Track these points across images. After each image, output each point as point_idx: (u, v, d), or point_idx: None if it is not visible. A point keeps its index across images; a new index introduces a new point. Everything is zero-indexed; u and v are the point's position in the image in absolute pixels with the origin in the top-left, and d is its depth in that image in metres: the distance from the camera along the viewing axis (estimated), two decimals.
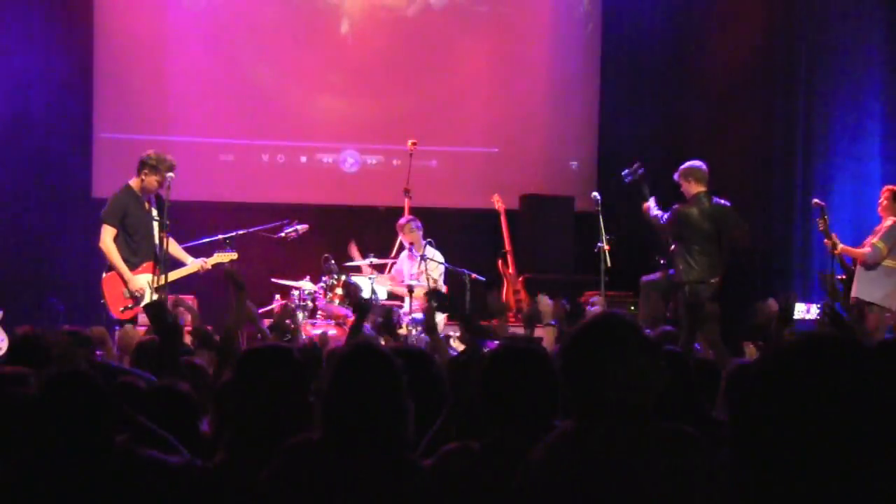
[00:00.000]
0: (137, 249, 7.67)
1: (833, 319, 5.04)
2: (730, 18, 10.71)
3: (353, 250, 9.40)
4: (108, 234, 7.60)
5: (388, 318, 5.36)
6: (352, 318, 8.50)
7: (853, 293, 8.26)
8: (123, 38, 10.52)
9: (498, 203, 10.31)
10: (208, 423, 3.51)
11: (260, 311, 8.86)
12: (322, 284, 8.80)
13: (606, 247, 8.54)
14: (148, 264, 7.65)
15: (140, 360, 4.62)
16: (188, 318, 5.99)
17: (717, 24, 10.80)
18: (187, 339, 5.35)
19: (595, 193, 8.94)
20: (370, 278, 9.08)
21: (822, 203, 8.43)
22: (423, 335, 7.91)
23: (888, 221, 8.44)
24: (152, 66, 10.57)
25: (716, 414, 3.66)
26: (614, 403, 2.40)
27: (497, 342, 4.02)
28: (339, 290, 8.81)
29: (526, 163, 11.16)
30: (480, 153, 11.18)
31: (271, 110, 10.81)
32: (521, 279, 10.25)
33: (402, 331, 8.74)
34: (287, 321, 6.45)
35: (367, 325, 5.71)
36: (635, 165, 8.70)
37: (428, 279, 8.95)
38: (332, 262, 8.86)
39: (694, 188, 8.27)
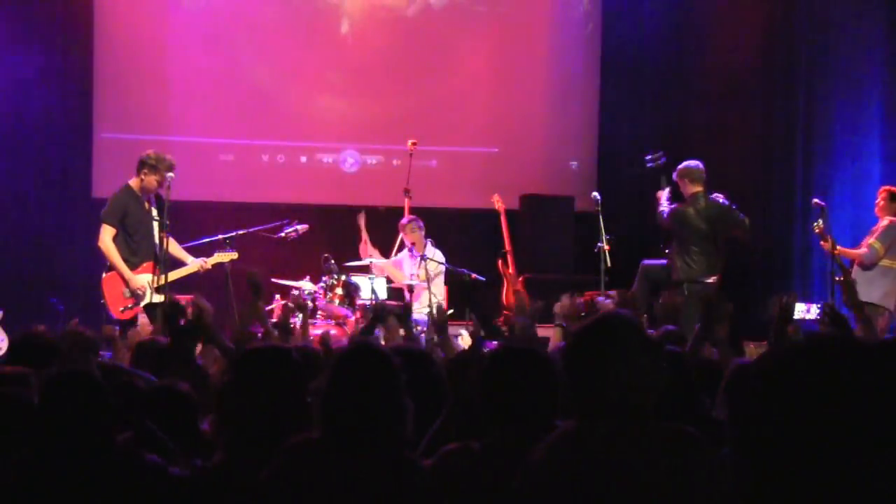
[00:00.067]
0: (137, 249, 7.67)
1: (833, 319, 5.03)
2: (730, 18, 10.72)
3: (362, 221, 9.40)
4: (107, 234, 7.60)
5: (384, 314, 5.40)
6: (352, 319, 8.54)
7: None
8: (123, 38, 10.51)
9: (498, 203, 10.31)
10: (209, 423, 3.51)
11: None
12: (322, 284, 8.80)
13: (606, 247, 8.55)
14: (148, 264, 7.65)
15: (140, 360, 4.62)
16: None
17: (717, 24, 10.80)
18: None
19: (595, 193, 8.94)
20: (370, 278, 9.08)
21: (823, 203, 8.42)
22: (422, 335, 7.91)
23: (884, 221, 8.44)
24: (152, 65, 10.57)
25: (715, 413, 3.66)
26: (616, 403, 2.41)
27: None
28: (339, 290, 8.81)
29: (526, 163, 11.16)
30: (480, 153, 11.17)
31: (271, 110, 10.81)
32: (521, 279, 10.24)
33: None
34: (290, 320, 6.46)
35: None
36: (659, 153, 8.74)
37: (428, 279, 8.95)
38: (332, 262, 8.86)
39: (690, 188, 8.34)
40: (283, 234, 8.70)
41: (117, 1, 10.64)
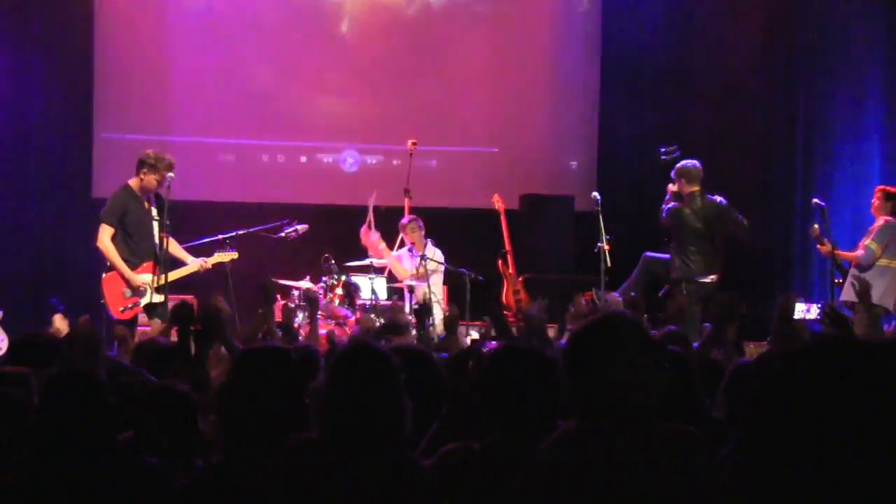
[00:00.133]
0: (137, 249, 7.66)
1: (833, 319, 5.04)
2: (730, 18, 10.72)
3: (371, 200, 9.38)
4: (105, 234, 7.60)
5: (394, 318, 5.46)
6: (352, 319, 8.54)
7: (843, 296, 8.24)
8: (123, 38, 10.51)
9: (498, 203, 10.31)
10: (209, 424, 3.50)
11: (260, 311, 8.92)
12: (322, 284, 8.80)
13: (606, 247, 8.55)
14: (148, 264, 7.65)
15: (140, 360, 4.61)
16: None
17: (717, 23, 10.79)
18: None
19: (595, 193, 8.94)
20: (370, 278, 9.08)
21: (823, 203, 8.43)
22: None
23: (880, 221, 8.44)
24: (152, 65, 10.56)
25: (716, 413, 3.66)
26: (617, 403, 2.41)
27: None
28: (339, 290, 8.81)
29: (526, 163, 11.16)
30: (480, 153, 11.17)
31: (271, 110, 10.81)
32: (521, 279, 10.24)
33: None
34: (292, 321, 6.49)
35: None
36: (673, 147, 8.77)
37: (426, 275, 8.96)
38: (333, 262, 8.86)
39: (687, 188, 8.39)
40: (283, 234, 8.70)
41: (117, 1, 10.64)
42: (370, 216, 9.37)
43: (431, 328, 7.59)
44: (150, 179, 7.63)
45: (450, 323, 5.25)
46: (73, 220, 9.78)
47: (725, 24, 10.73)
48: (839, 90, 10.31)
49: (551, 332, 5.96)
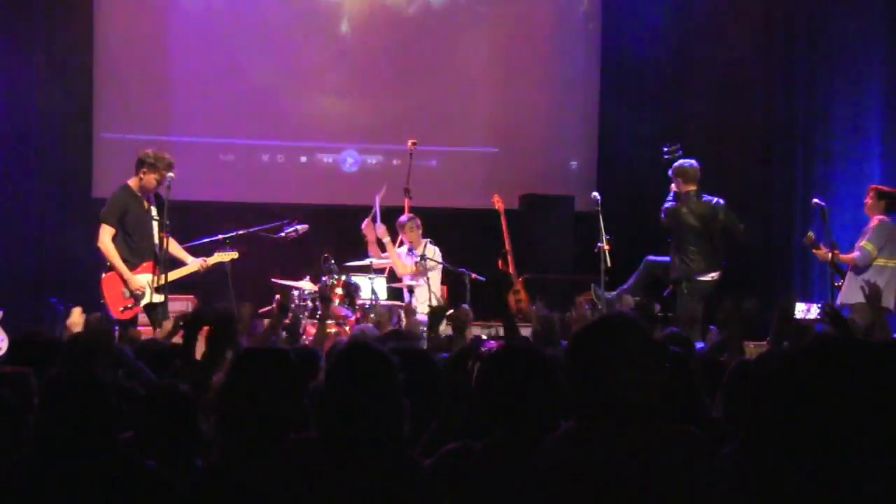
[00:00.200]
0: (136, 249, 7.66)
1: (833, 319, 5.04)
2: (730, 18, 10.71)
3: (380, 195, 9.37)
4: (106, 234, 7.59)
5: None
6: (352, 318, 8.54)
7: (840, 299, 8.23)
8: (123, 38, 10.51)
9: (498, 203, 10.31)
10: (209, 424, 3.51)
11: (260, 311, 8.92)
12: (322, 284, 8.78)
13: (606, 247, 8.55)
14: (148, 264, 7.65)
15: (140, 360, 4.61)
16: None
17: (717, 23, 10.79)
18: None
19: (595, 193, 8.94)
20: (370, 278, 9.08)
21: (823, 203, 8.43)
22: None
23: (874, 221, 8.42)
24: (152, 65, 10.56)
25: (715, 413, 3.67)
26: (618, 403, 2.41)
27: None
28: (339, 290, 8.80)
29: (526, 163, 11.16)
30: (480, 153, 11.17)
31: (271, 110, 10.81)
32: (521, 279, 10.24)
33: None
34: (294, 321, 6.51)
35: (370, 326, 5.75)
36: (676, 145, 8.77)
37: (425, 271, 8.96)
38: (333, 262, 8.85)
39: (684, 187, 8.44)
40: (283, 234, 8.70)
41: (117, 1, 10.64)
42: (376, 210, 9.33)
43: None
44: (150, 179, 7.62)
45: (459, 325, 5.25)
46: (73, 221, 9.77)
47: (725, 24, 10.73)
48: (839, 90, 10.30)
49: None
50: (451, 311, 6.50)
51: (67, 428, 2.81)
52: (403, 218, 9.38)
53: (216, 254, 8.04)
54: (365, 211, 9.58)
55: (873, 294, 5.75)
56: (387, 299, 9.32)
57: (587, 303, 8.08)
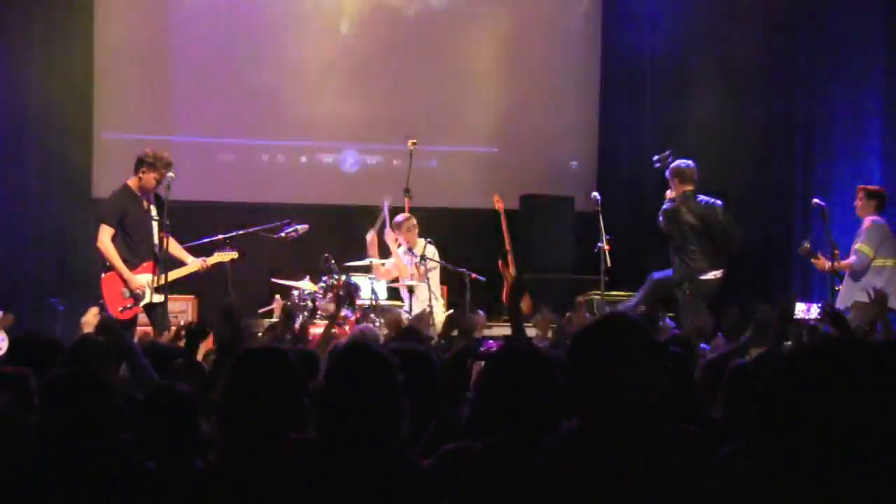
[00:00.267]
0: (136, 249, 7.66)
1: (833, 319, 5.04)
2: (730, 18, 10.71)
3: (387, 205, 9.35)
4: (105, 234, 7.59)
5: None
6: (352, 318, 8.53)
7: (838, 303, 8.22)
8: (123, 38, 10.51)
9: (498, 203, 10.32)
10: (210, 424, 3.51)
11: (260, 311, 8.93)
12: (322, 284, 8.79)
13: (606, 247, 8.55)
14: (148, 264, 7.65)
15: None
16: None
17: (718, 23, 10.79)
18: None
19: (595, 193, 8.95)
20: (370, 278, 9.07)
21: (823, 203, 8.41)
22: None
23: (866, 223, 8.40)
24: (152, 65, 10.56)
25: (715, 413, 3.67)
26: (619, 403, 2.41)
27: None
28: (339, 291, 8.80)
29: (526, 163, 11.16)
30: (480, 153, 11.17)
31: (271, 110, 10.80)
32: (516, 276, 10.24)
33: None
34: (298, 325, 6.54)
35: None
36: (667, 153, 8.76)
37: (425, 272, 8.96)
38: (333, 262, 8.85)
39: (681, 187, 8.44)
40: (283, 234, 8.70)
41: (117, 1, 10.64)
42: (385, 217, 9.30)
43: (432, 327, 7.59)
44: (149, 178, 7.62)
45: (465, 329, 5.25)
46: (73, 220, 9.77)
47: (725, 24, 10.73)
48: (839, 90, 10.30)
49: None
50: (463, 314, 6.53)
51: (69, 428, 2.81)
52: (400, 218, 9.37)
53: (216, 254, 8.04)
54: (366, 210, 9.58)
55: (879, 299, 5.74)
56: (387, 299, 9.32)
57: (585, 305, 8.09)
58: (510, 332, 5.34)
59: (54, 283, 9.72)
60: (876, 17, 10.16)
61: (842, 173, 10.14)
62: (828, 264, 8.19)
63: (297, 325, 5.74)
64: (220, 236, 8.28)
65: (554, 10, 11.39)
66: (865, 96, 10.21)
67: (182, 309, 9.05)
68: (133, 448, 2.99)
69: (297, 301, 8.63)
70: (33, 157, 10.16)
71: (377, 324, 8.30)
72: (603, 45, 11.30)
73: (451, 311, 9.44)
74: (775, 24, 10.62)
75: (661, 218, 8.52)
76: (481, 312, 7.40)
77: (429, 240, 9.30)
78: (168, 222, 7.49)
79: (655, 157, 8.82)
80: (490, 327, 8.57)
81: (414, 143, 9.70)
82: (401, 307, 8.90)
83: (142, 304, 7.60)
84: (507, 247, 10.28)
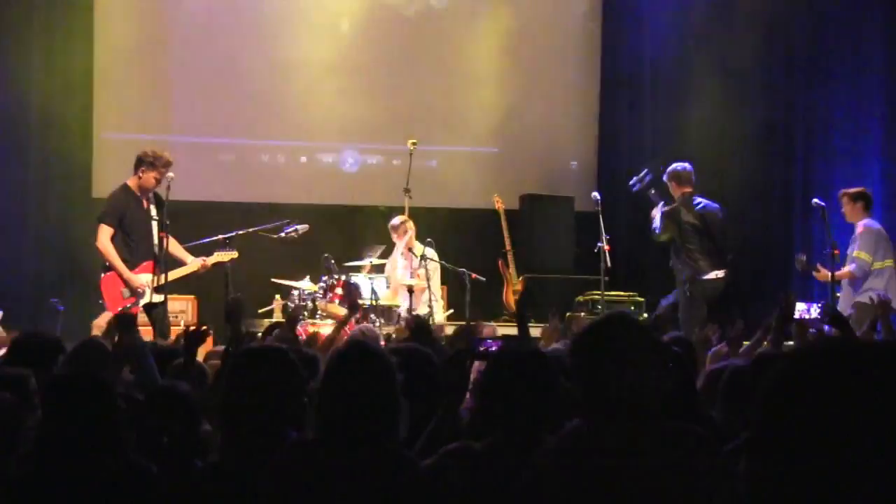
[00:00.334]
0: (136, 249, 7.66)
1: (833, 319, 5.04)
2: (729, 18, 10.71)
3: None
4: (104, 234, 7.59)
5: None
6: (352, 318, 8.52)
7: (839, 308, 8.20)
8: (123, 38, 10.51)
9: (498, 203, 10.30)
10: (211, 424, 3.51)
11: (260, 311, 8.93)
12: (322, 284, 8.79)
13: (606, 247, 8.54)
14: (147, 263, 7.64)
15: None
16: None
17: (717, 23, 10.79)
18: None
19: (595, 193, 8.94)
20: (370, 278, 9.07)
21: (823, 203, 8.40)
22: None
23: (859, 228, 8.36)
24: (152, 65, 10.56)
25: (715, 413, 3.67)
26: (621, 402, 2.41)
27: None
28: (339, 291, 8.80)
29: (526, 163, 11.15)
30: (480, 153, 11.17)
31: (271, 110, 10.80)
32: (521, 279, 10.24)
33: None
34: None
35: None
36: (643, 173, 8.69)
37: (428, 278, 8.93)
38: (333, 262, 8.85)
39: (679, 190, 8.44)
40: (283, 234, 8.69)
41: (117, 1, 10.63)
42: (361, 263, 9.25)
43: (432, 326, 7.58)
44: (149, 177, 7.63)
45: (469, 333, 5.26)
46: (73, 221, 9.77)
47: (725, 24, 10.73)
48: (839, 90, 10.30)
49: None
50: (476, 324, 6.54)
51: (71, 429, 2.80)
52: (396, 220, 9.35)
53: (216, 254, 8.04)
54: (366, 210, 9.58)
55: (881, 303, 5.73)
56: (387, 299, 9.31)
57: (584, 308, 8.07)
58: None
59: (54, 283, 9.72)
60: (876, 17, 10.17)
61: (842, 173, 10.14)
62: (829, 275, 8.13)
63: (300, 330, 5.75)
64: (220, 236, 8.28)
65: (554, 10, 11.38)
66: (865, 96, 10.22)
67: (182, 309, 9.05)
68: (134, 448, 2.99)
69: (297, 301, 8.63)
70: (34, 158, 10.15)
71: (377, 324, 8.30)
72: (603, 45, 11.30)
73: (451, 310, 9.46)
74: (775, 24, 10.62)
75: (659, 223, 8.40)
76: (493, 324, 7.37)
77: (428, 240, 9.29)
78: (168, 222, 7.49)
79: (633, 180, 8.71)
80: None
81: (414, 143, 9.69)
82: (397, 307, 8.90)
83: (141, 304, 7.60)
84: (508, 247, 10.28)
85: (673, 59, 11.04)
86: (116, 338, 4.61)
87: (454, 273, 9.22)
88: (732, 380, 3.70)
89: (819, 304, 5.80)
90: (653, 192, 8.55)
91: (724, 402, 3.67)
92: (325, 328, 8.43)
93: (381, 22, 11.02)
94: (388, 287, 9.33)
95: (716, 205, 8.49)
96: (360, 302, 8.81)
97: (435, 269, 9.27)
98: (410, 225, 9.30)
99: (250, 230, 8.52)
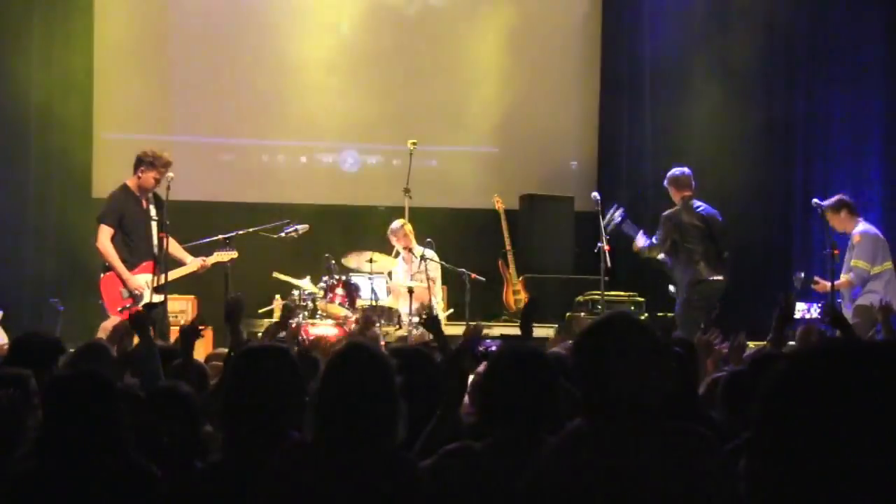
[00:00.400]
0: (135, 249, 7.66)
1: (834, 320, 5.04)
2: (730, 18, 10.71)
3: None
4: (104, 234, 7.59)
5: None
6: (352, 319, 8.53)
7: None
8: (123, 38, 10.51)
9: (498, 203, 10.30)
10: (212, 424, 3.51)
11: (260, 311, 8.93)
12: (322, 284, 8.79)
13: (606, 247, 8.53)
14: (147, 263, 7.64)
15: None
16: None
17: (718, 23, 10.79)
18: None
19: (595, 193, 8.93)
20: (370, 278, 9.06)
21: (823, 203, 8.40)
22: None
23: (855, 237, 8.33)
24: (152, 65, 10.56)
25: (715, 414, 3.67)
26: (624, 402, 2.40)
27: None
28: (339, 291, 8.80)
29: (526, 163, 11.15)
30: (480, 153, 11.17)
31: (271, 110, 10.80)
32: (521, 279, 10.24)
33: (402, 331, 8.75)
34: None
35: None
36: (612, 210, 8.59)
37: (429, 279, 8.93)
38: (333, 262, 8.85)
39: (678, 194, 8.43)
40: (283, 234, 8.69)
41: (117, 1, 10.63)
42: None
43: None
44: (148, 177, 7.63)
45: (471, 334, 5.25)
46: (73, 221, 9.77)
47: (725, 24, 10.73)
48: (839, 90, 10.30)
49: (547, 332, 5.98)
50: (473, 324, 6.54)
51: (71, 428, 2.80)
52: (395, 225, 9.34)
53: (216, 254, 8.04)
54: (366, 210, 9.57)
55: (883, 307, 5.73)
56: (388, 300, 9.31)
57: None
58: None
59: (54, 283, 9.72)
60: (876, 17, 10.17)
61: (842, 173, 10.15)
62: (828, 286, 8.10)
63: (292, 325, 5.73)
64: (220, 236, 8.27)
65: (554, 10, 11.38)
66: (865, 96, 10.22)
67: (182, 309, 9.04)
68: (134, 448, 2.99)
69: (297, 301, 8.62)
70: (34, 157, 10.15)
71: (377, 324, 8.30)
72: (603, 45, 11.29)
73: (451, 310, 9.46)
74: (775, 25, 10.63)
75: (661, 228, 8.37)
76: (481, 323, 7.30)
77: (428, 240, 9.29)
78: (168, 222, 7.49)
79: (605, 223, 8.53)
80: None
81: (414, 143, 9.69)
82: (397, 310, 8.90)
83: (141, 304, 7.59)
84: (508, 247, 10.28)
85: (673, 58, 11.04)
86: (122, 342, 4.61)
87: (454, 273, 9.22)
88: (732, 381, 3.71)
89: (819, 305, 5.81)
90: (625, 225, 8.49)
91: (723, 403, 3.67)
92: (326, 328, 8.45)
93: (382, 22, 11.02)
94: (388, 295, 9.32)
95: (714, 209, 8.49)
96: (360, 302, 8.82)
97: (436, 269, 9.26)
98: (409, 228, 9.30)
99: (250, 230, 8.52)
